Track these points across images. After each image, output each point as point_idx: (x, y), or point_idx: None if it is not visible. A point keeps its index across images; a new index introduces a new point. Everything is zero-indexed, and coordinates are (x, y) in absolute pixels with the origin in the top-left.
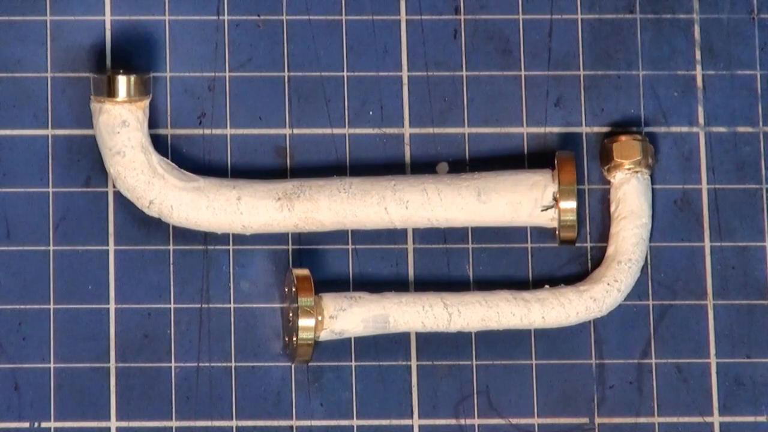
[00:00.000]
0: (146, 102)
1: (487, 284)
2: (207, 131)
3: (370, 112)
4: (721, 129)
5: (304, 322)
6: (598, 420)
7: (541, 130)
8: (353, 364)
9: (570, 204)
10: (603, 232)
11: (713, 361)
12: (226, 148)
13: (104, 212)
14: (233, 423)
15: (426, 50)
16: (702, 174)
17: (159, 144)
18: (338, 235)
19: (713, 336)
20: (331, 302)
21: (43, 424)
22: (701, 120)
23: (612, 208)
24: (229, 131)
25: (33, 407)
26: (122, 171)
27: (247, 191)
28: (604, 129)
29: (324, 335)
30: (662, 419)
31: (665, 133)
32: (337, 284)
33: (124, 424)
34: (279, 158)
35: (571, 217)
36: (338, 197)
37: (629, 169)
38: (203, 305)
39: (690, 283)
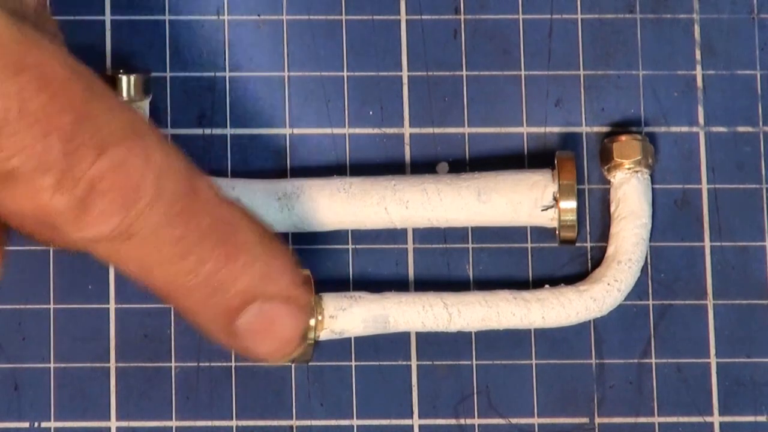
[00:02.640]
0: (146, 102)
1: (487, 284)
2: (207, 131)
3: (370, 112)
4: (721, 129)
5: None
6: (598, 420)
7: (541, 130)
8: (353, 364)
9: (570, 204)
10: (603, 232)
11: (713, 361)
12: (226, 148)
13: None
14: (233, 423)
15: (426, 50)
16: (702, 174)
17: None
18: (338, 235)
19: (713, 336)
20: (331, 302)
21: (43, 424)
22: (701, 120)
23: (612, 208)
24: (229, 131)
25: (33, 407)
26: None
27: (247, 191)
28: (604, 129)
29: (324, 335)
30: (662, 419)
31: (665, 133)
32: (337, 284)
33: (124, 424)
34: (279, 158)
35: (571, 216)
36: (338, 197)
37: (629, 169)
38: None
39: (690, 283)
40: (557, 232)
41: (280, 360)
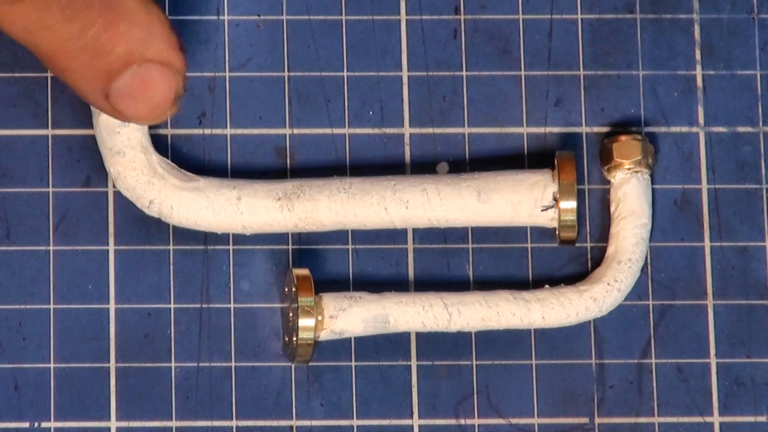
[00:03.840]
0: None
1: (487, 284)
2: (207, 131)
3: (370, 112)
4: (721, 129)
5: (304, 322)
6: (598, 420)
7: (541, 130)
8: (353, 364)
9: (570, 204)
10: (603, 232)
11: (713, 361)
12: (226, 148)
13: (104, 212)
14: (233, 423)
15: (426, 50)
16: (702, 174)
17: (159, 144)
18: (338, 235)
19: (713, 336)
20: (331, 302)
21: (43, 424)
22: (701, 120)
23: (612, 208)
24: (229, 131)
25: (33, 407)
26: (122, 171)
27: (247, 191)
28: (604, 129)
29: (324, 335)
30: (662, 419)
31: (665, 133)
32: (337, 284)
33: (124, 424)
34: (279, 158)
35: (571, 216)
36: (338, 197)
37: (629, 169)
38: (203, 305)
39: (690, 283)
40: (557, 232)
41: (152, 122)
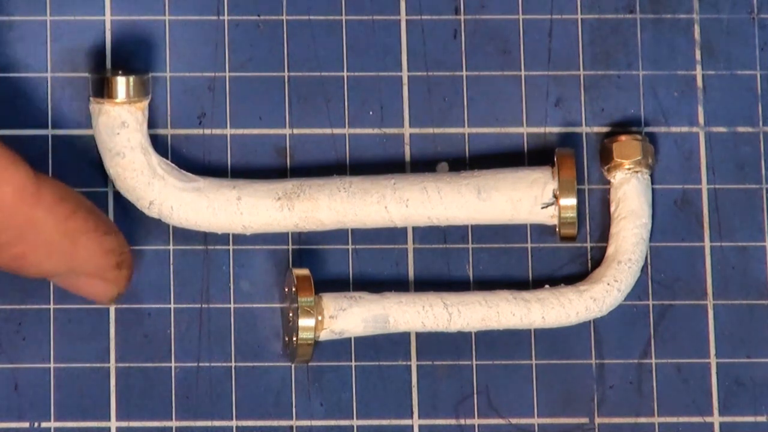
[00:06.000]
0: (145, 103)
1: (487, 284)
2: (207, 131)
3: (370, 112)
4: (721, 129)
5: (304, 322)
6: (598, 420)
7: (541, 130)
8: (353, 364)
9: (570, 201)
10: (603, 232)
11: (713, 361)
12: (226, 148)
13: (104, 212)
14: (233, 423)
15: (426, 50)
16: (702, 174)
17: (159, 144)
18: (338, 235)
19: (713, 336)
20: (331, 302)
21: (43, 424)
22: (701, 120)
23: (612, 208)
24: (229, 131)
25: (33, 407)
26: (122, 172)
27: (247, 191)
28: (604, 129)
29: (324, 335)
30: (662, 419)
31: (665, 133)
32: (337, 284)
33: (124, 424)
34: (279, 158)
35: (572, 213)
36: (338, 196)
37: (629, 169)
38: (203, 305)
39: (690, 283)
40: (557, 229)
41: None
